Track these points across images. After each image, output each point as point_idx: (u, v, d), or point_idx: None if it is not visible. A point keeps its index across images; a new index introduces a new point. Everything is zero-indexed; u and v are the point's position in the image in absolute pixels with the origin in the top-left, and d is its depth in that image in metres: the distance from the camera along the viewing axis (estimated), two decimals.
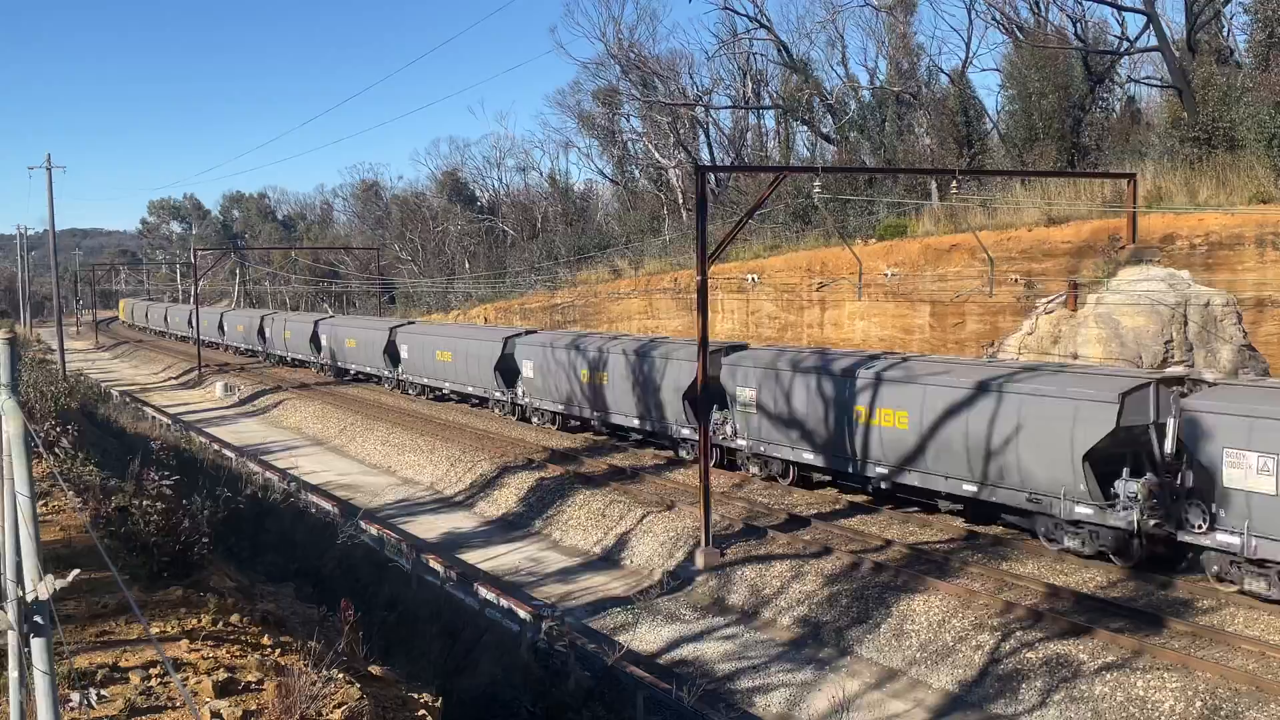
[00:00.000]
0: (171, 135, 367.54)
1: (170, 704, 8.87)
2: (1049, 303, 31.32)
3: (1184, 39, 47.23)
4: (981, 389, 21.87)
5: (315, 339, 60.83)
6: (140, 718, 8.64)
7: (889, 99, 59.80)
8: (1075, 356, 28.89)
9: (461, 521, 29.71)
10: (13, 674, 6.25)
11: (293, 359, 65.44)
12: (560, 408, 37.18)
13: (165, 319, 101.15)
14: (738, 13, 63.44)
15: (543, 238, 77.15)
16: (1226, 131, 36.73)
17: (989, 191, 42.08)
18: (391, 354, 50.66)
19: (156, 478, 13.33)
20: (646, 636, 20.01)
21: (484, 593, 20.40)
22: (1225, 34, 49.76)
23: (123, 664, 9.61)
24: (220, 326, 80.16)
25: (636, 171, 79.69)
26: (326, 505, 28.26)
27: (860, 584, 20.58)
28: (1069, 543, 20.58)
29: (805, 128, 65.80)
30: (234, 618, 11.57)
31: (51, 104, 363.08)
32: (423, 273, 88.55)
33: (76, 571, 6.14)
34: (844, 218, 47.01)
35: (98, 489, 13.89)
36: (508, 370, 40.35)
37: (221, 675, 9.48)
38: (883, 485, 24.69)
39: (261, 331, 70.75)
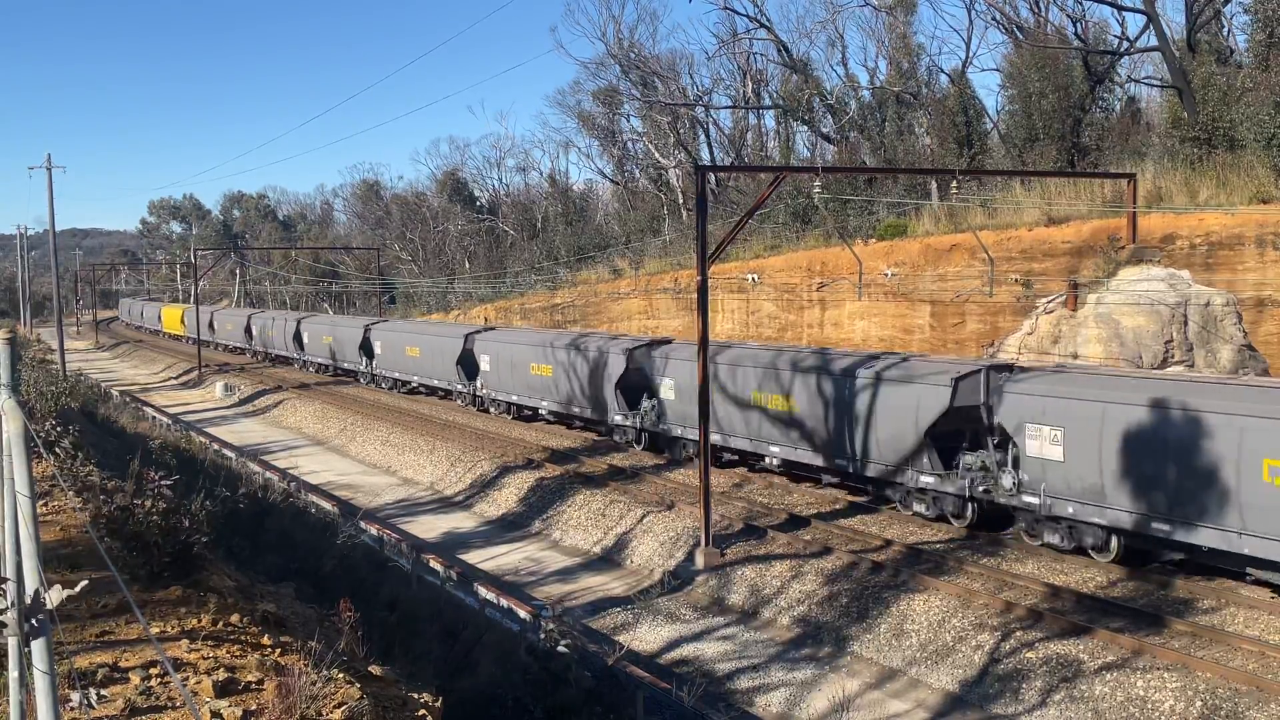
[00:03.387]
0: (171, 135, 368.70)
1: (170, 704, 8.87)
2: (1049, 303, 31.31)
3: (1184, 39, 47.27)
4: None
5: (366, 345, 52.99)
6: (140, 718, 8.64)
7: (889, 99, 59.87)
8: (1075, 356, 28.87)
9: (461, 521, 29.71)
10: (13, 674, 6.24)
11: (336, 368, 58.25)
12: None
13: (212, 324, 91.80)
14: (738, 13, 63.62)
15: (543, 238, 77.22)
16: (1226, 131, 36.76)
17: (989, 191, 42.14)
18: (467, 365, 42.99)
19: (157, 477, 13.31)
20: (646, 636, 20.01)
21: (484, 593, 20.40)
22: (1225, 34, 49.89)
23: (123, 664, 9.60)
24: (247, 329, 73.06)
25: (636, 171, 79.84)
26: (326, 505, 28.26)
27: (860, 583, 20.58)
28: None
29: (805, 128, 65.87)
30: (234, 618, 11.56)
31: (51, 104, 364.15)
32: (423, 273, 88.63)
33: (85, 583, 6.15)
34: (844, 218, 47.07)
35: (98, 489, 13.87)
36: (630, 389, 33.03)
37: (221, 675, 9.47)
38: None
39: (298, 337, 63.08)
